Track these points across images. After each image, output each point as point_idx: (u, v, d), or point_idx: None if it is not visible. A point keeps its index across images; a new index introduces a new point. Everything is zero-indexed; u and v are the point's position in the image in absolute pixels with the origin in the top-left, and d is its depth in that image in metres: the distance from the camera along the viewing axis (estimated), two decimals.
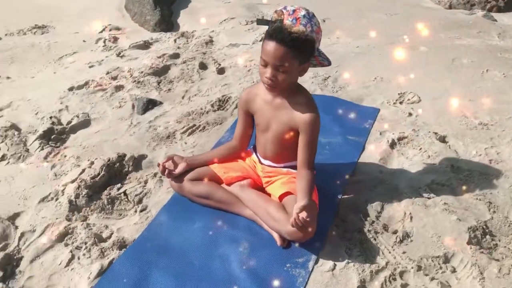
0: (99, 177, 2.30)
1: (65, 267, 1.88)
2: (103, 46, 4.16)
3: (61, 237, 2.01)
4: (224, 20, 4.48)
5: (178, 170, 2.10)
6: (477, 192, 2.14)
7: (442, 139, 2.51)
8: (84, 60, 3.91)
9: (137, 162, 2.44)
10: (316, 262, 1.84)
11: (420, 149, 2.44)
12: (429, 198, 2.10)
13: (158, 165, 2.13)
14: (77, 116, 2.88)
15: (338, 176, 2.26)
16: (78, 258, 1.90)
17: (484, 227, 1.97)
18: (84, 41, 4.37)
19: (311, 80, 3.14)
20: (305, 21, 1.76)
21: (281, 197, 1.95)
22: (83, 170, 2.35)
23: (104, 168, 2.35)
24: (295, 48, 1.75)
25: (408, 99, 2.90)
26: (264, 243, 1.92)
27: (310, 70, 3.11)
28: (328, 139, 2.55)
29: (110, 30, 4.58)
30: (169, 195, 2.20)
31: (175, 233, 2.00)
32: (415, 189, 2.16)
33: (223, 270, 1.82)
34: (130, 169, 2.40)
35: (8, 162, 2.54)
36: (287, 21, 1.75)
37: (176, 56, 3.66)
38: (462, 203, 2.08)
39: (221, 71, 3.39)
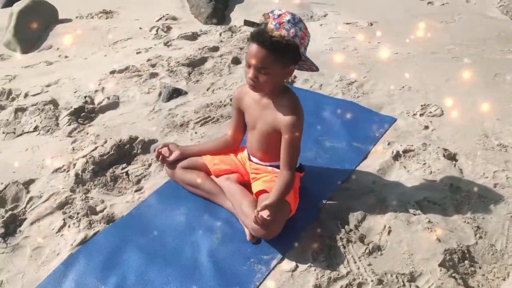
0: (107, 155, 2.49)
1: (56, 232, 2.07)
2: (155, 34, 4.40)
3: (61, 206, 2.21)
4: None
5: (171, 157, 2.23)
6: (468, 214, 2.05)
7: (450, 156, 2.41)
8: (134, 46, 4.17)
9: (147, 146, 2.60)
10: (280, 261, 1.87)
11: (424, 164, 2.37)
12: (414, 214, 2.05)
13: (154, 150, 2.26)
14: (108, 98, 3.11)
15: (329, 181, 2.27)
16: (69, 226, 2.09)
17: (465, 251, 1.89)
18: (140, 28, 4.65)
19: (335, 83, 3.13)
20: (289, 26, 1.79)
21: (257, 194, 2.01)
22: (96, 148, 2.55)
23: (114, 148, 2.53)
24: (276, 51, 1.79)
25: (430, 112, 2.80)
26: (236, 236, 1.99)
27: (337, 73, 3.12)
28: (333, 143, 2.55)
29: (166, 19, 4.81)
30: (165, 179, 2.33)
31: (159, 215, 2.13)
32: (403, 203, 2.11)
33: (190, 256, 1.91)
34: (138, 151, 2.56)
35: (39, 133, 2.82)
36: (271, 25, 1.80)
37: (215, 49, 3.79)
38: (448, 224, 2.01)
39: None
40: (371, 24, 4.16)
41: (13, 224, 2.15)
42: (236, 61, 3.54)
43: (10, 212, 2.19)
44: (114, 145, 2.54)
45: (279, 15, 1.81)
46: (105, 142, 2.58)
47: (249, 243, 1.95)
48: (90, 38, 4.56)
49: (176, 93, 3.09)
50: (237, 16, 4.73)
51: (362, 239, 1.97)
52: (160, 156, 2.23)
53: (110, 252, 1.95)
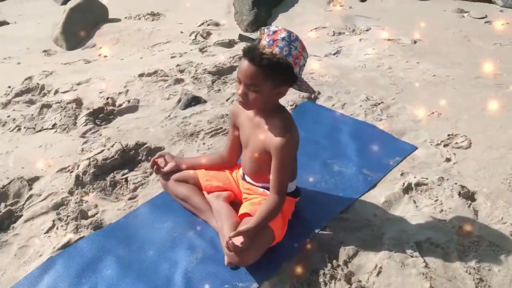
0: (111, 159, 2.49)
1: (44, 233, 2.09)
2: (193, 39, 4.42)
3: (56, 207, 2.23)
4: (315, 28, 4.41)
5: (166, 168, 2.18)
6: (473, 263, 1.84)
7: (468, 195, 2.19)
8: (171, 50, 4.20)
9: (152, 153, 2.57)
10: None
11: (436, 200, 2.17)
12: (411, 256, 1.87)
13: (150, 159, 2.23)
14: (129, 101, 3.13)
15: (327, 209, 2.13)
16: (57, 228, 2.10)
17: None
18: (181, 32, 4.69)
19: (360, 103, 2.96)
20: (283, 44, 1.69)
21: (241, 217, 1.92)
22: (102, 151, 2.56)
23: (119, 152, 2.53)
24: (267, 69, 1.69)
25: (456, 143, 2.57)
26: (217, 258, 1.90)
27: (364, 92, 2.96)
28: (342, 168, 2.40)
29: (208, 25, 4.82)
30: (161, 190, 2.29)
31: (145, 227, 2.09)
32: (401, 242, 1.93)
33: (165, 274, 1.86)
34: (143, 158, 2.55)
35: (56, 131, 2.88)
36: (264, 41, 1.70)
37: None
38: (447, 272, 1.81)
39: None
40: (415, 42, 3.93)
41: (8, 220, 2.19)
42: None
43: (8, 208, 2.24)
44: (119, 149, 2.55)
45: (274, 32, 1.71)
46: (112, 146, 2.59)
47: (227, 268, 1.86)
48: (132, 39, 4.66)
49: (194, 101, 3.05)
50: (280, 25, 4.62)
51: (348, 277, 1.82)
52: (155, 166, 2.19)
53: (88, 260, 1.93)
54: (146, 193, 2.30)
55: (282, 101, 2.76)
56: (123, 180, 2.41)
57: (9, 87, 3.64)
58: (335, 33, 4.21)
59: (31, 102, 3.37)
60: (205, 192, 2.13)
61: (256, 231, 1.76)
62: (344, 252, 1.91)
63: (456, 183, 2.25)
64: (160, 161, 2.21)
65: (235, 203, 2.08)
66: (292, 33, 1.73)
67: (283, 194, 1.89)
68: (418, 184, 2.26)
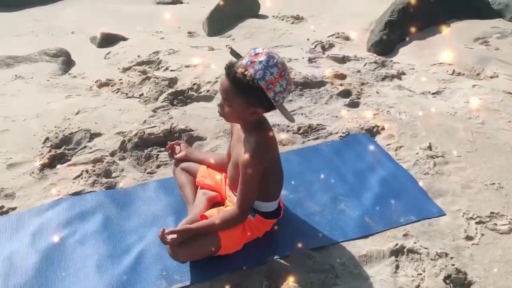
0: (155, 136, 2.80)
1: (72, 179, 2.51)
2: (312, 48, 4.48)
3: (94, 161, 2.64)
4: (439, 64, 4.07)
5: (177, 155, 2.39)
6: None
7: (460, 282, 1.91)
8: (284, 54, 4.33)
9: (193, 140, 2.81)
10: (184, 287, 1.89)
11: (419, 274, 1.95)
12: None
13: (168, 143, 2.46)
14: (208, 91, 3.40)
15: (293, 241, 2.08)
16: (81, 178, 2.50)
17: None
18: (307, 39, 4.79)
19: (418, 150, 2.72)
20: (259, 67, 1.73)
21: (201, 217, 2.02)
22: (154, 126, 2.89)
23: (164, 132, 2.83)
24: (239, 87, 1.75)
25: (494, 224, 2.21)
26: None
27: (429, 142, 2.71)
28: (347, 208, 2.29)
29: (336, 37, 4.82)
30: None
31: (142, 201, 2.35)
32: None
33: (129, 243, 2.09)
34: (183, 142, 2.79)
35: (139, 101, 3.32)
36: (243, 61, 1.76)
37: (341, 77, 3.67)
38: None
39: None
40: (502, 100, 3.36)
41: (58, 161, 2.67)
42: (344, 94, 3.38)
43: (63, 151, 2.72)
44: (166, 129, 2.84)
45: (256, 54, 1.76)
46: (163, 123, 2.90)
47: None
48: (263, 37, 4.93)
49: None
50: (406, 52, 4.41)
51: None
52: (170, 151, 2.42)
53: (83, 210, 2.27)
54: (163, 173, 2.55)
55: (338, 126, 2.74)
56: (155, 156, 2.69)
57: (138, 56, 4.25)
58: (454, 72, 3.83)
59: (143, 73, 3.90)
60: (199, 187, 2.28)
61: (193, 234, 1.85)
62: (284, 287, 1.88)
63: (453, 265, 1.97)
64: (177, 148, 2.43)
65: (219, 204, 2.19)
66: (273, 59, 1.74)
67: (244, 209, 1.93)
68: (411, 251, 2.05)
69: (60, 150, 2.72)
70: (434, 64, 4.06)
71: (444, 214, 2.28)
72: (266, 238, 2.10)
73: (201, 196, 2.20)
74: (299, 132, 2.90)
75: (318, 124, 2.96)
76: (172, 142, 2.44)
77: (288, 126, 2.95)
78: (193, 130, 2.88)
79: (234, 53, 1.94)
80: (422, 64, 4.07)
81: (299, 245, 2.07)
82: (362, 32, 4.96)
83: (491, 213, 2.28)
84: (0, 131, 2.97)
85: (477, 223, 2.23)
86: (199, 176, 2.28)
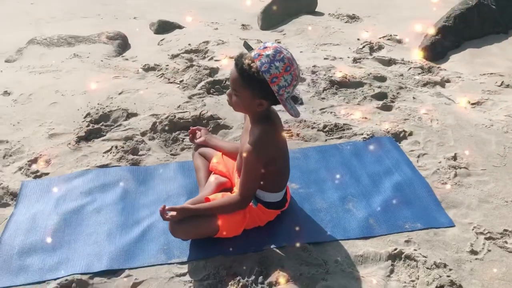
0: (184, 120, 2.95)
1: (102, 152, 2.71)
2: (360, 48, 4.44)
3: (126, 139, 2.83)
4: (490, 74, 3.90)
5: (197, 140, 2.51)
6: None
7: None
8: (332, 52, 4.35)
9: (219, 128, 2.93)
10: (180, 263, 2.00)
11: (412, 281, 1.94)
12: None
13: (190, 128, 2.59)
14: None
15: (300, 233, 2.14)
16: (110, 152, 2.69)
17: None
18: (358, 39, 4.75)
19: (442, 159, 2.65)
20: (265, 60, 1.79)
21: (206, 200, 2.12)
22: (186, 111, 3.03)
23: (193, 117, 2.96)
24: (245, 78, 1.83)
25: (505, 242, 2.14)
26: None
27: (456, 152, 2.65)
28: (354, 208, 2.30)
29: (388, 39, 4.74)
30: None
31: (159, 179, 2.51)
32: None
33: (140, 217, 2.25)
34: (210, 129, 2.92)
35: (178, 86, 3.48)
36: (252, 53, 1.84)
37: (381, 79, 3.63)
38: None
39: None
40: None
41: (94, 135, 2.88)
42: (379, 96, 3.35)
43: (100, 127, 2.93)
44: (195, 115, 2.97)
45: (265, 47, 1.83)
46: (195, 109, 3.03)
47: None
48: (314, 34, 4.95)
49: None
50: (457, 59, 4.26)
51: None
52: (191, 135, 2.55)
53: (106, 182, 2.46)
54: (185, 156, 2.69)
55: (365, 128, 2.76)
56: (181, 139, 2.83)
57: (189, 44, 4.43)
58: (502, 84, 3.66)
59: (190, 60, 4.07)
60: (212, 172, 2.39)
61: (192, 214, 1.96)
62: (275, 276, 1.94)
63: (449, 276, 1.94)
64: (198, 133, 2.55)
65: (229, 190, 2.28)
66: (280, 53, 1.80)
67: (244, 196, 2.01)
68: (409, 257, 2.04)
69: (98, 126, 2.93)
70: (484, 74, 3.90)
71: (453, 226, 2.23)
72: (266, 227, 2.16)
73: (212, 180, 2.30)
74: (324, 130, 2.93)
75: (344, 124, 2.97)
76: (193, 128, 2.56)
77: (314, 123, 2.98)
78: (220, 119, 2.99)
79: (247, 45, 2.01)
80: (471, 73, 3.92)
81: (297, 237, 2.12)
82: (416, 36, 4.83)
83: (504, 230, 2.21)
84: (50, 104, 3.24)
85: (486, 238, 2.17)
86: (213, 162, 2.38)
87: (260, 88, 1.84)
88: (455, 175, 2.55)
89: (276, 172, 2.08)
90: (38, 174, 2.54)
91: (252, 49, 1.93)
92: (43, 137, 2.86)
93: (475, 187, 2.48)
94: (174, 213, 1.94)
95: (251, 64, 1.81)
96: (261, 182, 2.04)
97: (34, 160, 2.65)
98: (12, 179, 2.51)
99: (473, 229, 2.21)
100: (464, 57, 4.28)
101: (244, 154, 1.95)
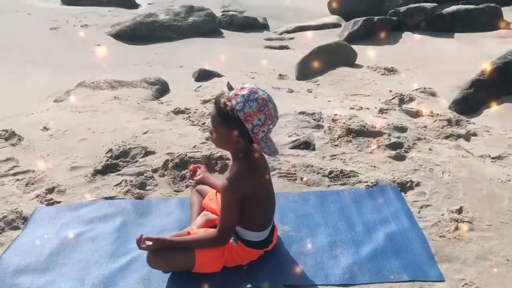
0: (194, 159, 3.08)
1: (113, 185, 2.88)
2: (389, 100, 4.42)
3: (138, 174, 2.99)
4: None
5: (195, 178, 2.62)
6: None
7: None
8: (359, 103, 4.36)
9: (226, 167, 3.01)
10: None
11: None
12: None
13: (190, 165, 2.70)
14: None
15: (277, 274, 2.14)
16: (119, 186, 2.86)
17: None
18: (390, 91, 4.73)
19: (445, 212, 2.55)
20: (240, 99, 1.90)
21: (188, 234, 2.18)
22: (198, 152, 3.17)
23: (204, 157, 3.09)
24: (221, 115, 1.94)
25: None
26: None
27: (463, 205, 2.57)
28: (340, 254, 2.27)
29: (421, 91, 4.69)
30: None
31: (158, 214, 2.61)
32: None
33: (131, 248, 2.33)
34: (217, 169, 3.02)
35: (200, 128, 3.64)
36: (230, 93, 1.95)
37: (401, 129, 3.58)
38: None
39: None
40: None
41: (111, 169, 3.08)
42: (394, 146, 3.30)
43: (119, 162, 3.13)
44: (205, 155, 3.10)
45: (242, 88, 1.94)
46: (208, 150, 3.16)
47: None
48: (346, 84, 5.01)
49: (304, 144, 3.28)
50: (490, 113, 4.12)
51: None
52: (191, 172, 2.66)
53: (107, 213, 2.60)
54: (187, 193, 2.79)
55: (372, 176, 2.79)
56: (188, 178, 2.95)
57: (222, 91, 4.63)
58: None
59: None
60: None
61: (169, 245, 2.04)
62: None
63: None
64: (198, 171, 2.65)
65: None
66: (254, 94, 1.90)
67: (222, 232, 2.07)
68: None
69: (116, 161, 3.13)
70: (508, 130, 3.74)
71: (443, 281, 2.13)
72: (247, 266, 2.18)
73: (201, 217, 2.37)
74: (330, 175, 2.93)
75: (351, 171, 2.96)
76: (194, 165, 2.67)
77: (321, 168, 2.99)
78: (229, 159, 3.08)
79: (229, 86, 2.12)
80: (502, 127, 3.78)
81: (276, 278, 2.12)
82: (452, 89, 4.75)
83: None
84: (80, 139, 3.50)
85: None
86: (206, 199, 2.46)
87: (236, 126, 1.93)
88: (456, 228, 2.44)
89: (256, 210, 2.12)
90: (51, 201, 2.74)
91: (232, 88, 2.04)
92: (65, 169, 3.09)
93: (475, 242, 2.36)
94: (150, 243, 2.02)
95: (227, 103, 1.91)
96: (241, 219, 2.09)
97: (51, 189, 2.86)
98: (28, 205, 2.72)
99: (463, 286, 2.10)
100: (499, 112, 4.14)
101: (221, 190, 2.02)
